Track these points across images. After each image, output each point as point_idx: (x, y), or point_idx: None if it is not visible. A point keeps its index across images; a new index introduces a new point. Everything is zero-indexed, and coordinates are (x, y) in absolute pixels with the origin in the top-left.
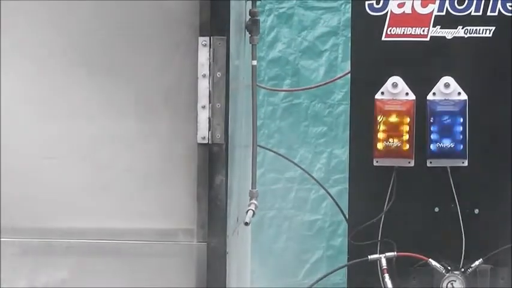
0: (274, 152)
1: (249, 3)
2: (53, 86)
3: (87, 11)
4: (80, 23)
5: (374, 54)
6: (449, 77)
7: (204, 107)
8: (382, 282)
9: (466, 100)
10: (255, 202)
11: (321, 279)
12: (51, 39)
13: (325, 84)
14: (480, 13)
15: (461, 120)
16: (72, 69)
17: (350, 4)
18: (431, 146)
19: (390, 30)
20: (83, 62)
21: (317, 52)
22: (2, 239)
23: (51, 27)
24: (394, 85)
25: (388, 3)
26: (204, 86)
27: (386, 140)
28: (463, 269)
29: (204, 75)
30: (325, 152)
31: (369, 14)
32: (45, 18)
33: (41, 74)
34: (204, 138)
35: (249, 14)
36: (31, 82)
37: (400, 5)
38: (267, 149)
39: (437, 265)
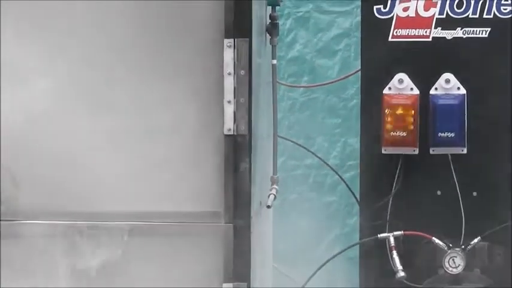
0: (293, 141)
1: (269, 8)
2: (96, 83)
3: (124, 13)
4: (119, 25)
5: (382, 53)
6: (450, 74)
7: (229, 102)
8: (390, 259)
9: (464, 94)
10: (276, 187)
11: (338, 254)
12: (93, 39)
13: (338, 80)
14: (477, 15)
15: (461, 112)
16: (112, 67)
17: (359, 9)
18: (434, 136)
19: (396, 32)
20: (122, 61)
21: (331, 52)
22: (54, 222)
23: (92, 28)
24: (400, 81)
25: (394, 7)
26: (229, 83)
27: (393, 130)
28: (463, 246)
29: (229, 73)
30: (340, 141)
31: (377, 17)
32: (87, 19)
33: (85, 71)
34: (229, 130)
35: (269, 18)
36: (77, 79)
37: (405, 9)
38: (286, 139)
39: (440, 243)
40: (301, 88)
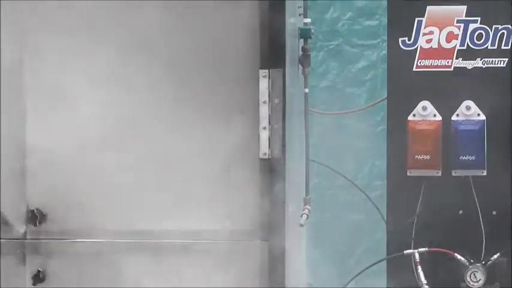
0: (324, 165)
1: (302, 40)
2: (137, 110)
3: (169, 41)
4: (160, 53)
5: (407, 83)
6: (470, 101)
7: (264, 128)
8: (415, 274)
9: (484, 120)
10: (308, 207)
11: (366, 269)
12: (134, 68)
13: (366, 108)
14: (495, 47)
15: (481, 136)
16: (153, 95)
17: (385, 42)
18: (456, 159)
19: (420, 62)
20: (163, 88)
21: (360, 81)
22: (99, 240)
23: (135, 50)
24: (424, 108)
25: (418, 40)
26: (264, 110)
27: (418, 154)
28: (483, 262)
29: (264, 102)
30: (368, 163)
31: (402, 48)
32: (130, 42)
33: (126, 99)
34: (265, 154)
35: (302, 50)
36: (120, 106)
37: (428, 41)
38: (317, 162)
39: (462, 259)
40: (332, 115)
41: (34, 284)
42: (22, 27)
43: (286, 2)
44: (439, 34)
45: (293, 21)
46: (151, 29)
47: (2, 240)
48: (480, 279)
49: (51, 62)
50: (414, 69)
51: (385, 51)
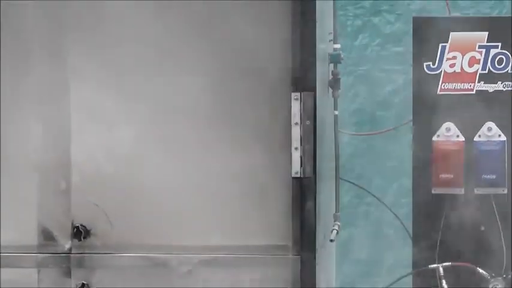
0: (353, 183)
1: (332, 65)
2: (175, 128)
3: (205, 64)
4: (199, 74)
5: (431, 105)
6: (491, 122)
7: (296, 148)
8: (439, 287)
9: (505, 141)
10: (338, 223)
11: (394, 282)
12: (172, 89)
13: (394, 129)
14: None
15: (501, 156)
16: (190, 114)
17: (411, 67)
18: (478, 178)
19: (444, 86)
20: (200, 109)
21: (388, 104)
22: (140, 254)
23: (173, 72)
24: (448, 129)
25: (442, 64)
26: (296, 131)
27: (442, 173)
28: (504, 275)
29: (296, 123)
30: (396, 182)
31: (427, 73)
32: (169, 65)
33: (164, 117)
34: (297, 173)
35: (332, 74)
36: (157, 124)
37: (452, 65)
38: (347, 181)
39: (484, 272)
40: (362, 136)
41: None
42: (66, 48)
43: (317, 28)
44: (461, 59)
45: (323, 46)
46: (188, 52)
47: (48, 254)
48: None
49: (95, 82)
50: (438, 92)
51: (411, 76)
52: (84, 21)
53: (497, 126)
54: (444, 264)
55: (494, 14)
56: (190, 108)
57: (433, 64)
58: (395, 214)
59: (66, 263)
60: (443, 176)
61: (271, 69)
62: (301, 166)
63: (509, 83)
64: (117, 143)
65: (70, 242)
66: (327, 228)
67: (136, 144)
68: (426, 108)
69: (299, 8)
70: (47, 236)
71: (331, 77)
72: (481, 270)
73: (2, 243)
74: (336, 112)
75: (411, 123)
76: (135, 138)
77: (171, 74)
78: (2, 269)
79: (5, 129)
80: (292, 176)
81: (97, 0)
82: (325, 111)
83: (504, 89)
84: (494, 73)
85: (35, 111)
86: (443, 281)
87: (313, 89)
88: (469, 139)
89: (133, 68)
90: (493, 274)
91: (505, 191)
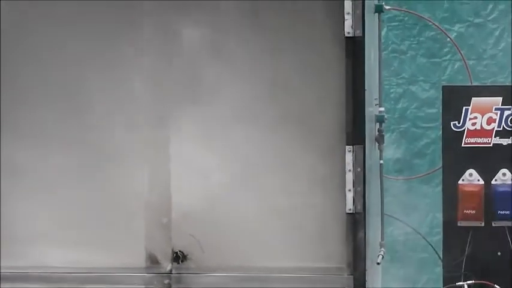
0: (395, 217)
1: (377, 124)
2: (251, 173)
3: (275, 110)
4: (275, 137)
5: (457, 155)
6: (506, 169)
7: (349, 190)
8: None
9: None
10: (383, 249)
11: None
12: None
13: (427, 174)
14: None
15: None
16: (264, 165)
17: (441, 125)
18: (495, 213)
19: (467, 140)
20: (269, 157)
21: (422, 154)
22: (226, 274)
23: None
24: (470, 175)
25: (465, 123)
26: (349, 177)
27: (466, 209)
28: None
29: (349, 170)
30: (429, 216)
31: (453, 130)
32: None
33: (247, 166)
34: (350, 209)
35: (377, 131)
36: (242, 171)
37: (473, 124)
38: (390, 216)
39: None
40: (402, 180)
41: None
42: (168, 112)
43: (366, 94)
44: (481, 119)
45: (371, 109)
46: (262, 114)
47: (154, 274)
48: None
49: (190, 138)
50: (463, 145)
51: (441, 132)
52: (184, 92)
53: (510, 172)
54: (468, 282)
55: (507, 83)
56: (264, 157)
57: (459, 123)
58: (428, 241)
59: (168, 282)
60: (466, 211)
61: (331, 127)
62: (353, 204)
63: None
64: (208, 186)
65: (171, 264)
66: (374, 253)
67: (224, 187)
68: (453, 157)
69: (351, 78)
70: (153, 260)
71: (377, 133)
72: (497, 287)
73: (117, 266)
74: (381, 161)
75: (441, 169)
76: (223, 182)
77: (248, 129)
78: (115, 286)
79: (120, 174)
80: (347, 212)
81: (195, 78)
82: (373, 161)
83: None
84: (508, 130)
85: (143, 161)
86: None
87: (363, 143)
88: (487, 182)
89: (221, 127)
90: None
91: None
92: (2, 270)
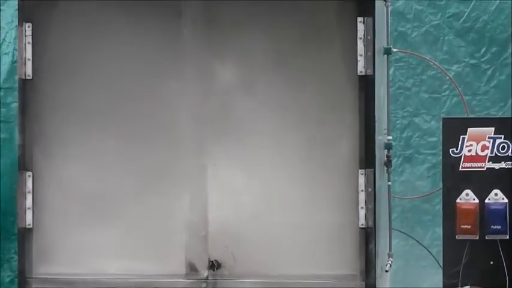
0: (401, 231)
1: (386, 150)
2: (279, 193)
3: (296, 134)
4: (296, 164)
5: (455, 178)
6: (498, 190)
7: (362, 207)
8: None
9: (507, 202)
10: (391, 259)
11: None
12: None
13: (429, 194)
14: None
15: (505, 213)
16: (284, 185)
17: (441, 151)
18: (488, 228)
19: (463, 165)
20: (289, 186)
21: (424, 177)
22: (255, 280)
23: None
24: (467, 194)
25: (462, 150)
26: (362, 196)
27: (463, 224)
28: None
29: (361, 190)
30: (430, 230)
31: (452, 156)
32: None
33: (271, 191)
34: (362, 225)
35: (386, 157)
36: (268, 193)
37: (469, 151)
38: (397, 230)
39: None
40: (407, 199)
41: None
42: (206, 144)
43: (376, 125)
44: (476, 146)
45: (381, 137)
46: (287, 146)
47: (192, 280)
48: None
49: (224, 164)
50: (460, 169)
51: (441, 157)
52: (219, 125)
53: (501, 192)
54: (465, 287)
55: (499, 115)
56: (288, 180)
57: (456, 150)
58: (430, 252)
59: (205, 286)
60: (463, 226)
61: (346, 153)
62: (365, 220)
63: (510, 162)
64: (239, 205)
65: (207, 271)
66: (383, 262)
67: (253, 205)
68: (452, 180)
69: (364, 111)
70: (192, 268)
71: (385, 159)
72: None
73: (162, 273)
74: (389, 183)
75: (441, 190)
76: (252, 202)
77: (275, 156)
78: None
79: (166, 196)
80: (359, 226)
81: (228, 113)
82: (382, 182)
83: (506, 167)
84: (499, 156)
85: (185, 185)
86: None
87: (374, 167)
88: (481, 201)
89: (251, 155)
90: None
91: (507, 237)
92: (66, 277)
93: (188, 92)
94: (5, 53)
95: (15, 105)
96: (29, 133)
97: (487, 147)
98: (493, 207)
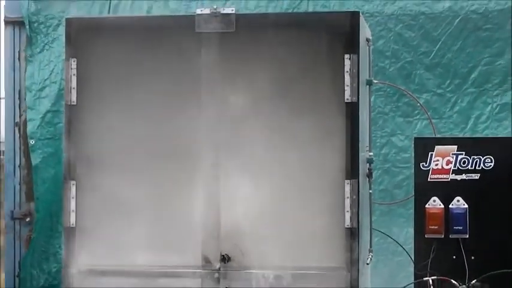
0: (380, 231)
1: (368, 164)
2: (283, 205)
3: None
4: (293, 182)
5: (425, 187)
6: (459, 197)
7: (347, 211)
8: None
9: (467, 207)
10: (372, 254)
11: None
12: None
13: (404, 200)
14: (473, 167)
15: (465, 216)
16: (285, 191)
17: (413, 165)
18: (451, 228)
19: (432, 176)
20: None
21: (400, 186)
22: (263, 271)
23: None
24: (434, 201)
25: (431, 164)
26: (348, 203)
27: (431, 225)
28: (468, 284)
29: (347, 197)
30: (404, 230)
31: (422, 169)
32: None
33: (277, 203)
34: (348, 225)
35: (367, 169)
36: (272, 205)
37: (436, 164)
38: (376, 230)
39: (455, 283)
40: (385, 204)
41: None
42: (219, 161)
43: (360, 143)
44: (442, 161)
45: (363, 154)
46: (284, 163)
47: (207, 271)
48: None
49: (235, 174)
50: (428, 180)
51: (413, 170)
52: (230, 143)
53: (462, 199)
54: (432, 277)
55: (461, 135)
56: (288, 188)
57: (426, 164)
58: (404, 248)
59: (217, 276)
60: (431, 227)
61: (334, 166)
62: (350, 221)
63: (470, 174)
64: (247, 209)
65: (219, 264)
66: (365, 257)
67: (258, 209)
68: (422, 189)
69: (350, 132)
70: (206, 260)
71: (367, 171)
72: (453, 281)
73: (182, 264)
74: (371, 191)
75: (413, 197)
76: (257, 206)
77: (277, 169)
78: (180, 278)
79: (185, 201)
80: (345, 227)
81: (238, 133)
82: (364, 190)
83: (467, 178)
84: (461, 169)
85: (201, 192)
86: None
87: (357, 178)
88: (446, 206)
89: (256, 168)
90: (460, 283)
91: (467, 236)
92: (103, 267)
93: (205, 115)
94: (53, 82)
95: (61, 125)
96: (73, 149)
97: (451, 162)
98: (455, 211)
